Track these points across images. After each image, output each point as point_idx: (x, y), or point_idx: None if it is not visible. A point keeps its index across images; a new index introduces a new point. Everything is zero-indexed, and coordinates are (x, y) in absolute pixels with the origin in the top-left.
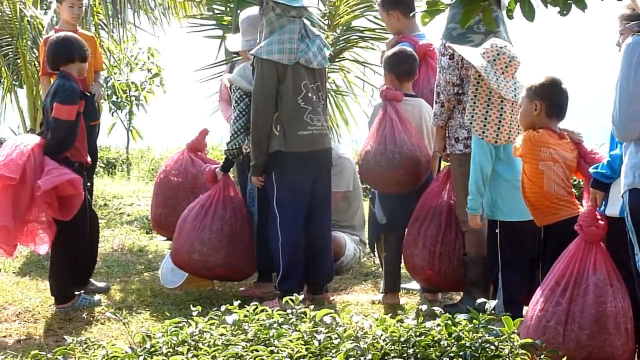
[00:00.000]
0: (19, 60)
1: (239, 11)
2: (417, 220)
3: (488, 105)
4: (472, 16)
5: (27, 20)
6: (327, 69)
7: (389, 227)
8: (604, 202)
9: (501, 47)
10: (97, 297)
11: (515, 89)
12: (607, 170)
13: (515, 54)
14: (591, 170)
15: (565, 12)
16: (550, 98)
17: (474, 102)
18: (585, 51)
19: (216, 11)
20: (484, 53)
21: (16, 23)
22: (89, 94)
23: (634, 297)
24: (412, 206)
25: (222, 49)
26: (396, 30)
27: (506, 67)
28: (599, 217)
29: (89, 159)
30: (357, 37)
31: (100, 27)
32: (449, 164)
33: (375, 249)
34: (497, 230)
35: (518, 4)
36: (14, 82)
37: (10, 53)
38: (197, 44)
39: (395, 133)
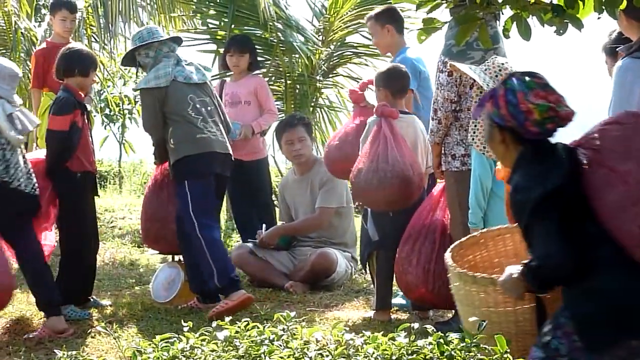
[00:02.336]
0: None
1: (233, 25)
2: (410, 237)
3: None
4: (468, 34)
5: (21, 33)
6: (211, 88)
7: (381, 244)
8: None
9: (502, 64)
10: (86, 310)
11: None
12: None
13: (517, 70)
14: None
15: (562, 32)
16: None
17: (476, 119)
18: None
19: (210, 25)
20: (485, 70)
21: (10, 35)
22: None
23: None
24: (404, 223)
25: (216, 63)
26: (387, 46)
27: None
28: None
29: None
30: (350, 53)
31: (93, 39)
32: (443, 181)
33: (367, 266)
34: None
35: (514, 23)
36: None
37: None
38: (191, 58)
39: (388, 151)
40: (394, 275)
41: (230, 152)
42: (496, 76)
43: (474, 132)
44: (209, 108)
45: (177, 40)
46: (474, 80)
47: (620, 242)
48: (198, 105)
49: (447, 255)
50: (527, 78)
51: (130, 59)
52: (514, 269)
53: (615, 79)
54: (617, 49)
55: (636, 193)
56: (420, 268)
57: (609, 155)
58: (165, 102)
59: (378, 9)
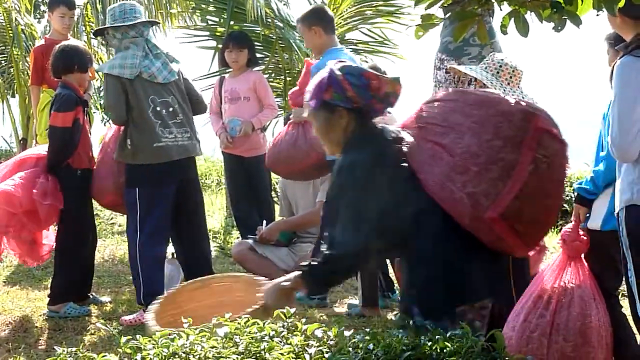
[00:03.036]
0: (11, 69)
1: (232, 22)
2: None
3: None
4: (466, 30)
5: (21, 29)
6: (178, 83)
7: None
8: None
9: (502, 60)
10: (85, 307)
11: (523, 97)
12: (590, 186)
13: (517, 64)
14: (575, 185)
15: (560, 28)
16: None
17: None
18: (577, 66)
19: (210, 22)
20: (486, 67)
21: (10, 31)
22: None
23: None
24: None
25: (216, 60)
26: (317, 47)
27: (510, 77)
28: (581, 232)
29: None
30: (350, 50)
31: (91, 36)
32: None
33: None
34: None
35: (512, 19)
36: (6, 91)
37: (3, 61)
38: (190, 54)
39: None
40: (393, 274)
41: (193, 153)
42: (497, 72)
43: None
44: (170, 109)
45: (148, 24)
46: (472, 77)
47: (449, 212)
48: (159, 108)
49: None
50: (349, 64)
51: (101, 33)
52: (281, 280)
53: (618, 77)
54: (615, 47)
55: (462, 163)
56: None
57: (433, 130)
58: (127, 95)
59: (306, 10)
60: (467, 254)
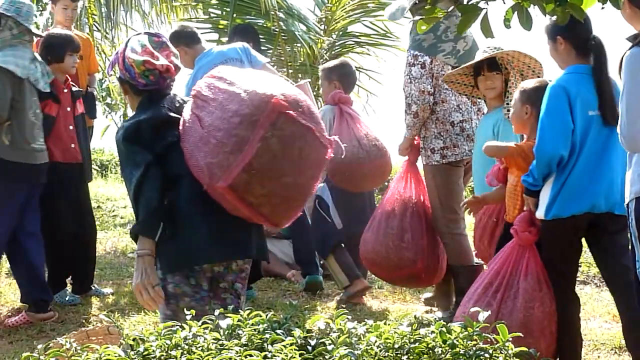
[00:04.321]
0: None
1: (235, 15)
2: (392, 213)
3: None
4: (470, 23)
5: None
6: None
7: (344, 232)
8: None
9: (497, 47)
10: (74, 297)
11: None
12: (530, 179)
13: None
14: (522, 178)
15: (564, 21)
16: (540, 103)
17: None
18: None
19: (212, 15)
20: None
21: None
22: (85, 92)
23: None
24: (366, 209)
25: None
26: (188, 64)
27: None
28: (533, 222)
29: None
30: (352, 43)
31: (94, 28)
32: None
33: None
34: None
35: (515, 12)
36: None
37: None
38: None
39: (363, 129)
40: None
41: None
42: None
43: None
44: (41, 117)
45: (34, 36)
46: (446, 72)
47: (196, 177)
48: (37, 111)
49: None
50: (145, 37)
51: None
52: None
53: (627, 69)
54: (625, 38)
55: (207, 135)
56: (415, 243)
57: (197, 103)
58: (14, 92)
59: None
60: (215, 218)
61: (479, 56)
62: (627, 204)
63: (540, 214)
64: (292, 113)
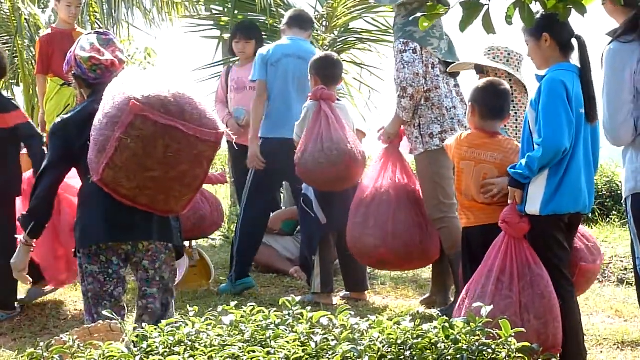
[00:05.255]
0: (16, 59)
1: (236, 12)
2: (361, 203)
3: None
4: (472, 20)
5: (25, 19)
6: None
7: (329, 227)
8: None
9: (506, 47)
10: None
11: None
12: (525, 170)
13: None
14: (509, 169)
15: (565, 17)
16: (484, 101)
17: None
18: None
19: (214, 11)
20: (494, 58)
21: (14, 21)
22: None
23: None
24: (348, 205)
25: (220, 49)
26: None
27: (518, 63)
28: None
29: None
30: (354, 39)
31: (96, 26)
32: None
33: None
34: None
35: (517, 9)
36: (11, 81)
37: (7, 51)
38: (195, 44)
39: (331, 130)
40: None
41: None
42: (507, 60)
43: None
44: None
45: None
46: (434, 61)
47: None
48: None
49: None
50: (94, 36)
51: None
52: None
53: (607, 63)
54: (605, 33)
55: (93, 133)
56: (379, 229)
57: (102, 103)
58: None
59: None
60: (111, 203)
61: (479, 59)
62: (624, 201)
63: (533, 209)
64: (150, 115)
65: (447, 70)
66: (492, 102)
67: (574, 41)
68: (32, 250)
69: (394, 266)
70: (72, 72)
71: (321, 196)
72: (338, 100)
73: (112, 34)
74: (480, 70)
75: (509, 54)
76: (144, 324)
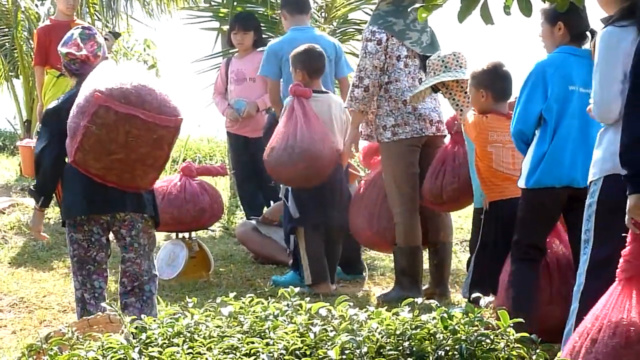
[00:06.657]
0: (15, 51)
1: (235, 3)
2: (359, 189)
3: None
4: (470, 11)
5: (22, 11)
6: None
7: (302, 220)
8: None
9: (453, 52)
10: None
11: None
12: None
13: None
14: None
15: (563, 8)
16: (494, 84)
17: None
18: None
19: (213, 3)
20: (447, 65)
21: (12, 13)
22: None
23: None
24: (324, 199)
25: (219, 41)
26: (286, 28)
27: (466, 62)
28: None
29: None
30: (353, 30)
31: (95, 17)
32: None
33: (290, 243)
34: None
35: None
36: (10, 73)
37: (6, 43)
38: (194, 35)
39: (297, 129)
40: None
41: None
42: (460, 66)
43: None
44: None
45: None
46: (400, 54)
47: None
48: None
49: None
50: (78, 31)
51: None
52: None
53: (601, 44)
54: (600, 19)
55: (72, 127)
56: (367, 211)
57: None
58: None
59: None
60: (88, 180)
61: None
62: (592, 182)
63: (521, 182)
64: (111, 105)
65: (409, 103)
66: (502, 85)
67: (587, 34)
68: (45, 214)
69: (380, 247)
70: (63, 63)
71: (295, 190)
72: (323, 92)
73: (95, 29)
74: (437, 89)
75: (457, 59)
76: (142, 316)
